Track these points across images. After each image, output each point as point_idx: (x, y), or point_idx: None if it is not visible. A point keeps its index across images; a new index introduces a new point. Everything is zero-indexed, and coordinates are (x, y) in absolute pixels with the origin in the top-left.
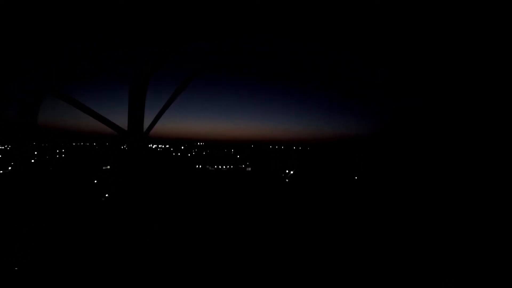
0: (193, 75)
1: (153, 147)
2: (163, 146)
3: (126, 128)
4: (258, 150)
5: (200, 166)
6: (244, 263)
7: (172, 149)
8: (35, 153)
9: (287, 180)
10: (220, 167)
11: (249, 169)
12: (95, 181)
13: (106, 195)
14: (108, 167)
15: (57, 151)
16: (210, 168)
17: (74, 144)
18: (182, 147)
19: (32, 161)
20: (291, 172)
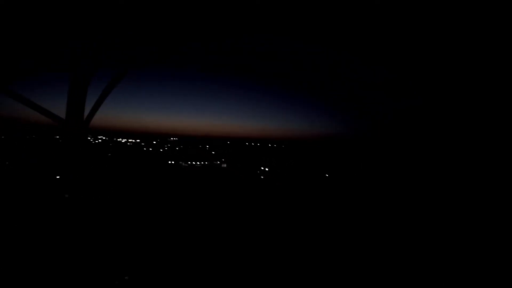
0: (127, 68)
1: (123, 141)
2: (133, 141)
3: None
4: (234, 147)
5: (173, 162)
6: (216, 262)
7: (143, 144)
8: None
9: (262, 177)
10: (194, 163)
11: (225, 165)
12: (57, 177)
13: (68, 191)
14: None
15: (15, 143)
16: (183, 164)
17: (33, 136)
18: (154, 142)
19: None
20: (266, 169)
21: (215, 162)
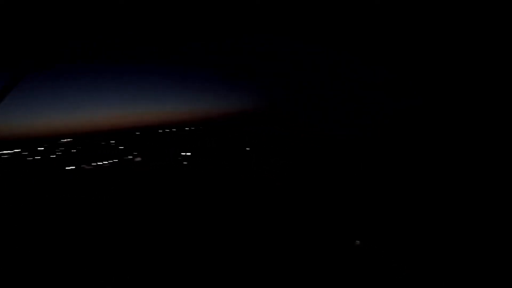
0: (24, 70)
1: None
2: (10, 152)
3: None
4: (146, 137)
5: (74, 167)
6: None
7: (26, 153)
8: None
9: (185, 163)
10: (99, 163)
11: (139, 159)
12: None
13: None
14: None
15: None
16: (86, 167)
17: None
18: (42, 148)
19: None
20: (188, 154)
21: (125, 158)
